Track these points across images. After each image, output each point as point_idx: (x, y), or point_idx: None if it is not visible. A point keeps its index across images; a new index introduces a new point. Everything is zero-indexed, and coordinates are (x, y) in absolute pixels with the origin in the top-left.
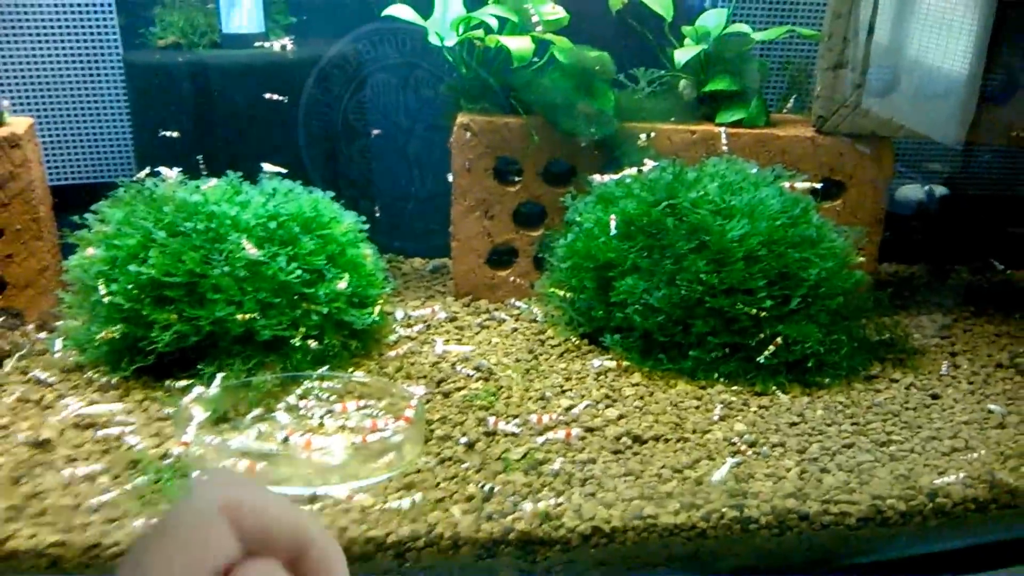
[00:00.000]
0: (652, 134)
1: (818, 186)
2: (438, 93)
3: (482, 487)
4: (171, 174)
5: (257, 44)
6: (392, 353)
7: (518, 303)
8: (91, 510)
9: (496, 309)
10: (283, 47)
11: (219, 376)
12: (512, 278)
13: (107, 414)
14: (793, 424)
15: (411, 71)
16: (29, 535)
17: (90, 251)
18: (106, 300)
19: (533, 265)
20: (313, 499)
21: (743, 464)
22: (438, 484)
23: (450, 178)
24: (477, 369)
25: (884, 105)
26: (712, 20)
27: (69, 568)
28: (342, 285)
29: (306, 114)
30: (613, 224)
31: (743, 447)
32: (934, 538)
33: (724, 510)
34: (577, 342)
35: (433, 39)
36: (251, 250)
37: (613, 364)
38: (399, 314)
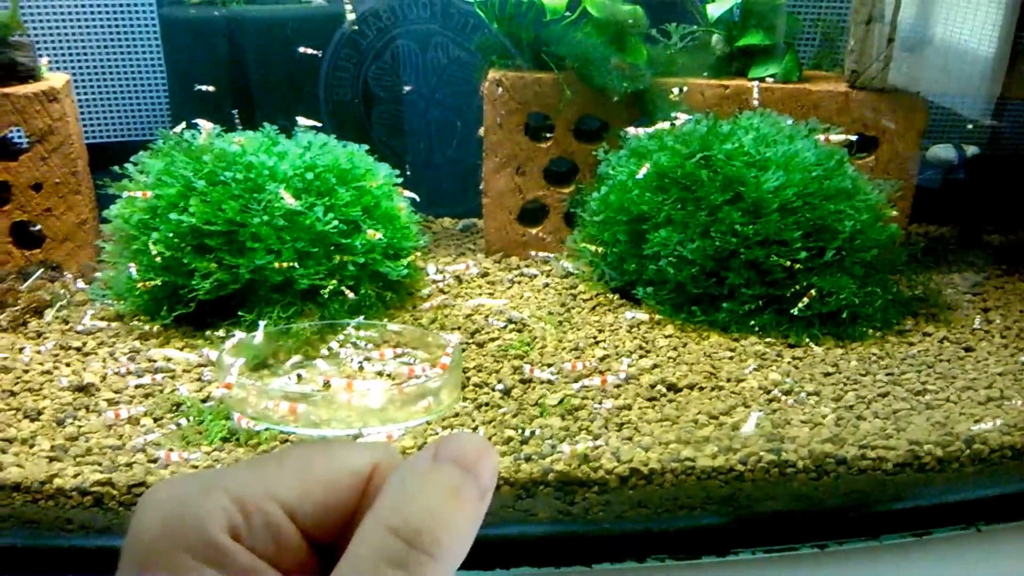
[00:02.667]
0: (684, 89)
1: (853, 138)
2: (467, 51)
3: (520, 431)
4: (208, 126)
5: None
6: (426, 305)
7: (549, 257)
8: (135, 450)
9: (527, 265)
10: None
11: (262, 324)
12: (543, 235)
13: (183, 361)
14: (828, 374)
15: (440, 28)
16: (73, 474)
17: (147, 194)
18: (154, 252)
19: (564, 222)
20: (356, 439)
21: (779, 411)
22: (476, 428)
23: (481, 133)
24: (510, 321)
25: (916, 59)
26: None
27: (113, 507)
28: (375, 234)
29: (337, 70)
30: (643, 172)
31: (779, 395)
32: (972, 485)
33: (762, 454)
34: (609, 296)
35: None
36: (289, 200)
37: (645, 317)
38: (431, 269)
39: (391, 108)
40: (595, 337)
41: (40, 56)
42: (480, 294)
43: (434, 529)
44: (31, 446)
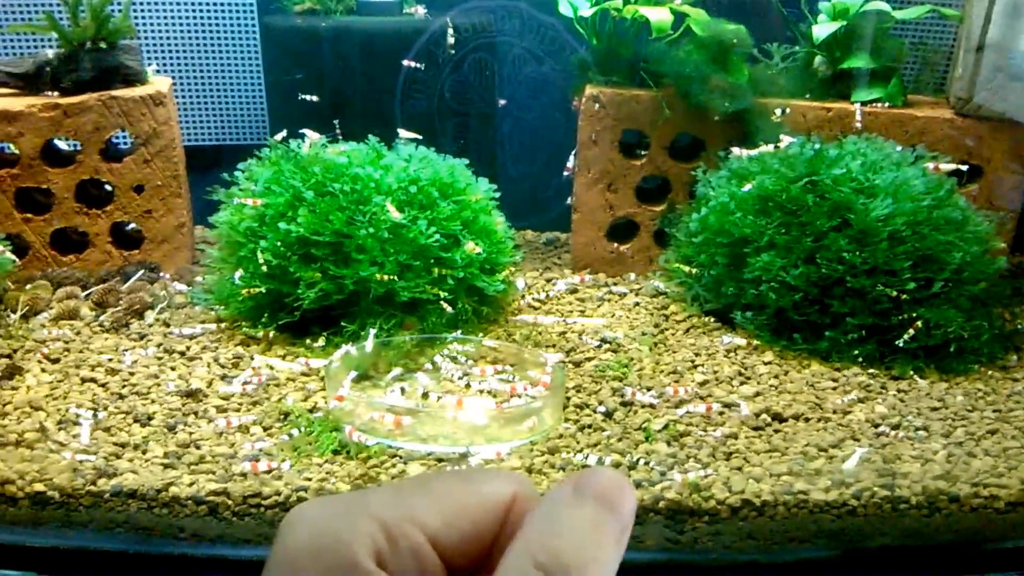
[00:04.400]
0: (787, 110)
1: (964, 167)
2: (561, 67)
3: (631, 458)
4: (314, 136)
5: (406, 12)
6: (518, 319)
7: (639, 277)
8: (248, 459)
9: (615, 283)
10: (419, 16)
11: (372, 332)
12: (631, 252)
13: (287, 371)
14: (935, 409)
15: (537, 44)
16: (189, 482)
17: (257, 201)
18: (261, 259)
19: (653, 240)
20: (464, 457)
21: (888, 445)
22: (581, 450)
23: (570, 162)
24: (604, 340)
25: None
26: None
27: (227, 516)
28: (475, 248)
29: (433, 83)
30: (747, 188)
31: (887, 429)
32: None
33: (875, 489)
34: (703, 319)
35: (565, 9)
36: (395, 213)
37: (743, 342)
38: (520, 284)
39: (470, 121)
40: (692, 361)
41: (148, 63)
42: (571, 311)
43: (580, 566)
44: (144, 452)
